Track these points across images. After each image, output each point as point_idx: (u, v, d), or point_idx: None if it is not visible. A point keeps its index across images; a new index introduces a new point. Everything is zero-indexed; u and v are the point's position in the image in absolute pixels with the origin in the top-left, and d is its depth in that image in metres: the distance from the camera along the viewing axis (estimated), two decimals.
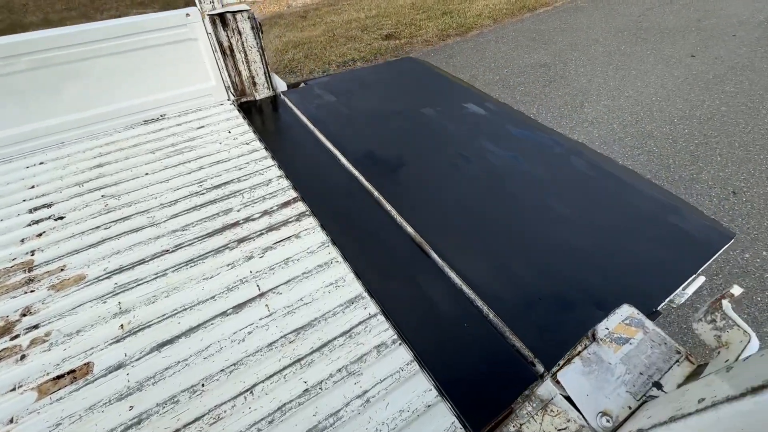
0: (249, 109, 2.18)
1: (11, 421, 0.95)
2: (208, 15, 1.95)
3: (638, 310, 0.68)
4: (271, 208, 1.52)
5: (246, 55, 2.10)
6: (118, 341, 1.10)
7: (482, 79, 4.81)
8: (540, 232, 1.47)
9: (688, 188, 3.21)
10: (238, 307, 1.18)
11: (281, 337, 1.11)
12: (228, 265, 1.31)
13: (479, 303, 1.19)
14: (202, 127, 1.97)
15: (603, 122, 4.02)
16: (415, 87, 2.42)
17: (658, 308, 1.26)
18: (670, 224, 1.50)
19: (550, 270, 1.33)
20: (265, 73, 2.20)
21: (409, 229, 1.43)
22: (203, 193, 1.59)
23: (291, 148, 1.88)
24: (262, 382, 1.01)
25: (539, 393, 0.58)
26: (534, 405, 0.60)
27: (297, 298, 1.21)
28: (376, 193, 1.59)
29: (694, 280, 1.35)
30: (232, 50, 2.06)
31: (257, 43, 2.10)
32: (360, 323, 1.14)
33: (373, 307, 1.18)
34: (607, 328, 0.63)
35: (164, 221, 1.46)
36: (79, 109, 1.87)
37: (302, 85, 2.41)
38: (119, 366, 1.05)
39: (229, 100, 2.18)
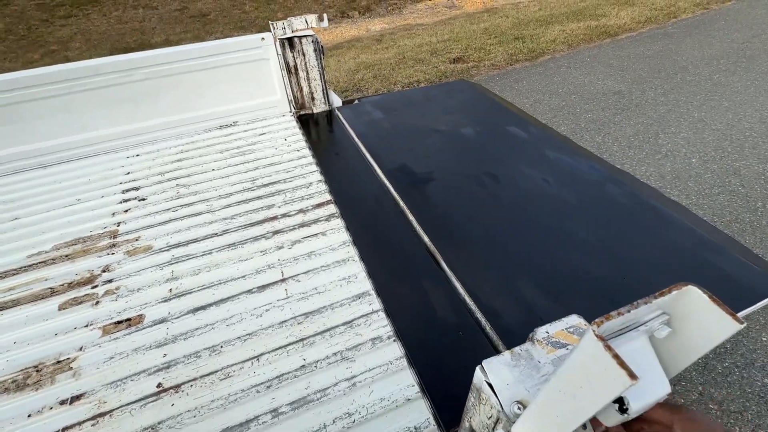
0: (306, 121, 2.44)
1: (80, 349, 1.20)
2: (279, 39, 2.26)
3: (586, 322, 0.68)
4: (307, 207, 1.70)
5: (308, 73, 2.38)
6: (166, 301, 1.33)
7: (546, 105, 4.70)
8: (557, 258, 1.44)
9: None
10: (262, 288, 1.36)
11: (292, 318, 1.25)
12: (261, 252, 1.50)
13: (478, 315, 1.23)
14: (264, 134, 2.26)
15: (679, 155, 3.68)
16: (462, 108, 2.49)
17: None
18: (710, 263, 1.36)
19: (560, 295, 1.31)
20: (323, 89, 2.46)
21: (426, 239, 1.51)
22: (254, 190, 1.83)
23: (334, 156, 2.07)
24: (269, 352, 1.15)
25: (474, 381, 0.63)
26: (474, 395, 0.65)
27: (312, 286, 1.35)
28: (401, 203, 1.70)
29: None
30: (296, 69, 2.35)
31: (318, 64, 2.37)
32: (362, 316, 1.24)
33: (377, 304, 1.28)
34: (547, 332, 0.65)
35: (219, 210, 1.72)
36: (171, 113, 2.27)
37: (356, 101, 2.63)
38: (162, 321, 1.27)
39: (290, 112, 2.46)
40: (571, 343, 0.64)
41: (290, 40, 2.28)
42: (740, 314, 1.23)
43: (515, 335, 1.16)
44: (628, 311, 0.44)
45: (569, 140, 2.22)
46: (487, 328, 1.19)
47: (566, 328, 0.66)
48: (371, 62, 6.67)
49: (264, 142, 2.19)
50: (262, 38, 2.23)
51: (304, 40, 2.30)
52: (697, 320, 0.47)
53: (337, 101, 2.55)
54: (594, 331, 0.40)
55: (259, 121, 2.40)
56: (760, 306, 1.26)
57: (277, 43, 2.26)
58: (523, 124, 2.26)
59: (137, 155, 2.15)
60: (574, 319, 0.68)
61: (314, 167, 1.95)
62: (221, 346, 1.18)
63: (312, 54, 2.34)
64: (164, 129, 2.28)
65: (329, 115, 2.48)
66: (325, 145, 2.21)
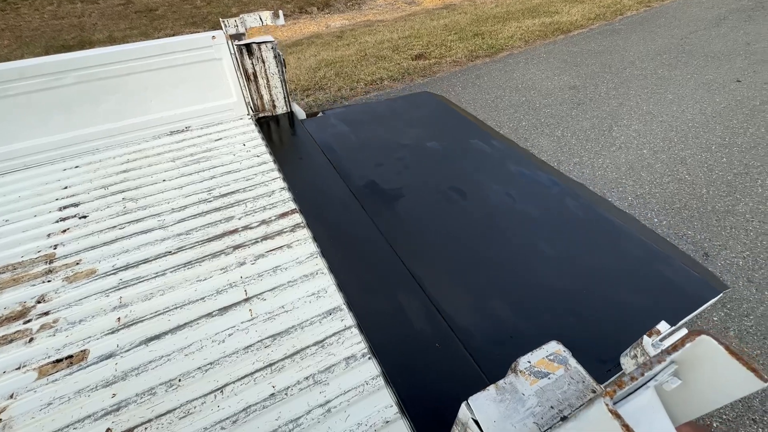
0: (266, 124, 2.32)
1: (11, 396, 1.05)
2: (236, 45, 2.13)
3: (565, 348, 0.67)
4: (270, 218, 1.60)
5: (268, 80, 2.27)
6: (113, 332, 1.20)
7: (507, 100, 4.79)
8: (522, 270, 1.48)
9: (721, 221, 3.01)
10: (224, 310, 1.25)
11: (258, 341, 1.16)
12: (221, 269, 1.39)
13: (453, 328, 1.20)
14: (220, 139, 2.12)
15: (632, 147, 3.87)
16: (426, 121, 2.48)
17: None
18: (658, 272, 1.48)
19: (526, 308, 1.33)
20: (284, 97, 2.35)
21: (395, 251, 1.46)
22: (210, 201, 1.70)
23: (297, 161, 1.98)
24: (234, 382, 1.06)
25: (459, 417, 0.59)
26: (458, 428, 0.61)
27: (279, 305, 1.26)
28: (369, 214, 1.63)
29: (676, 330, 1.31)
30: (255, 76, 2.23)
31: (279, 71, 2.27)
32: (334, 334, 1.17)
33: (349, 320, 1.21)
34: (529, 362, 0.63)
35: (172, 225, 1.58)
36: (114, 119, 2.07)
37: (320, 114, 2.55)
38: (110, 355, 1.14)
39: (248, 115, 2.33)
40: (552, 372, 0.62)
41: (248, 46, 2.15)
42: (685, 319, 1.32)
43: (489, 347, 1.14)
44: (642, 374, 0.41)
45: (530, 153, 2.30)
46: (463, 341, 1.16)
47: (547, 356, 0.66)
48: (332, 59, 6.53)
49: (220, 148, 2.05)
50: (213, 36, 2.08)
51: (263, 47, 2.19)
52: (711, 371, 0.44)
53: (300, 113, 2.46)
54: (607, 405, 0.36)
55: (215, 126, 2.24)
56: (702, 310, 1.38)
57: (230, 42, 2.12)
58: (486, 137, 2.29)
59: (76, 167, 1.94)
60: (554, 346, 0.67)
61: (276, 174, 1.85)
62: (179, 380, 1.07)
63: (272, 61, 2.23)
64: (107, 137, 2.08)
65: (290, 116, 2.36)
66: (287, 150, 2.10)
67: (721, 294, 1.43)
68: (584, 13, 7.65)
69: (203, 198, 1.72)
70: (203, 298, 1.29)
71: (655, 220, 3.05)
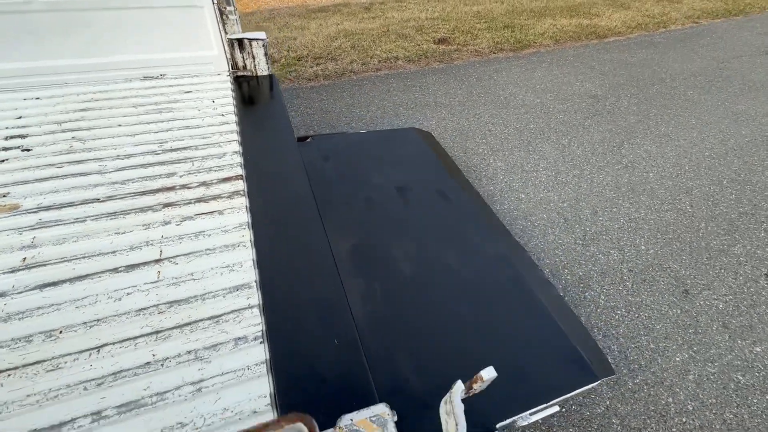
0: (245, 84, 2.22)
1: None
2: (227, 38, 2.14)
3: (391, 412, 0.70)
4: (212, 180, 1.53)
5: (260, 85, 2.29)
6: (13, 272, 1.16)
7: (521, 100, 4.58)
8: (433, 322, 1.65)
9: (712, 259, 2.85)
10: (131, 267, 1.20)
11: (154, 306, 1.11)
12: (144, 226, 1.33)
13: (358, 331, 1.12)
14: (190, 92, 2.03)
15: (638, 168, 3.67)
16: (402, 160, 2.61)
17: (497, 425, 1.36)
18: (550, 350, 1.60)
19: (424, 346, 1.52)
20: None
21: (328, 243, 1.38)
22: (158, 153, 1.63)
23: (262, 129, 1.89)
24: (114, 344, 1.01)
25: None
26: None
27: (189, 272, 1.20)
28: (316, 199, 1.55)
29: (546, 407, 1.44)
30: (245, 68, 2.24)
31: (268, 68, 2.31)
32: (234, 311, 1.11)
33: (255, 299, 1.15)
34: (352, 419, 0.61)
35: (111, 172, 1.52)
36: (85, 55, 1.99)
37: (309, 140, 2.62)
38: (1, 295, 1.10)
39: (227, 71, 2.23)
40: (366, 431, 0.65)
41: (240, 41, 2.15)
42: (562, 397, 1.42)
43: (386, 363, 1.09)
44: None
45: (488, 209, 2.48)
46: (364, 348, 1.09)
47: (370, 417, 0.68)
48: (353, 31, 6.31)
49: (187, 101, 1.97)
50: None
51: (254, 43, 2.18)
52: None
53: None
54: None
55: (190, 77, 2.16)
56: (577, 393, 1.51)
57: None
58: (452, 188, 2.40)
59: (37, 98, 1.89)
60: (380, 408, 0.70)
61: (235, 136, 1.77)
62: (60, 332, 1.03)
63: (262, 58, 2.23)
64: (76, 72, 2.01)
65: (270, 80, 2.26)
66: (257, 115, 2.01)
67: (599, 381, 1.53)
68: (626, 20, 7.22)
69: (152, 150, 1.65)
70: (114, 252, 1.23)
71: (642, 247, 2.90)
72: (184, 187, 1.49)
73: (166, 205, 1.41)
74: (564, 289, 2.58)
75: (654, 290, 2.62)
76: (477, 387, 0.54)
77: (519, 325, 1.68)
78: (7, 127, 1.70)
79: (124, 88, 2.01)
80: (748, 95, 4.99)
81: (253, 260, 1.25)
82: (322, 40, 5.81)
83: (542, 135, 4.03)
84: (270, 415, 0.91)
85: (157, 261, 1.23)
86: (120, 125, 1.77)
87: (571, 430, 1.94)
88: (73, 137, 1.68)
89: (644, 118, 4.42)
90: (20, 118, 1.76)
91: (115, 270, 1.19)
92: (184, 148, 1.68)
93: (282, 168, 1.66)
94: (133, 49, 2.06)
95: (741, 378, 2.20)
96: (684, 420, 2.01)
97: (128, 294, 1.13)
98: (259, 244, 1.31)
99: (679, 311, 2.50)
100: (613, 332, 2.37)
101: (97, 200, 1.40)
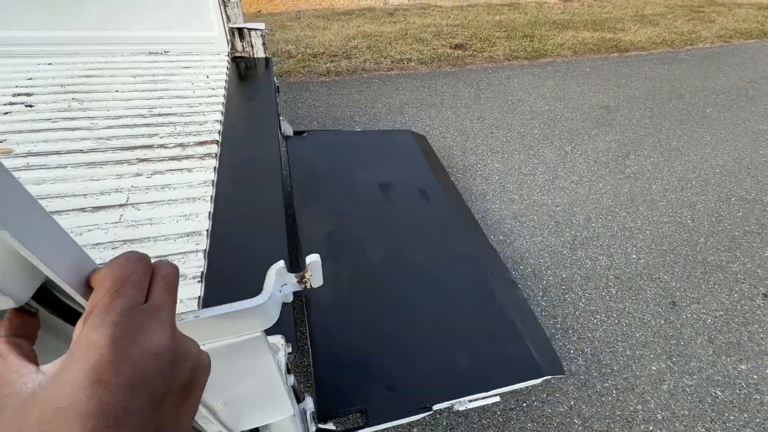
0: (243, 65, 2.34)
1: None
2: (228, 27, 2.30)
3: (285, 343, 0.80)
4: (189, 142, 1.63)
5: (255, 66, 2.43)
6: None
7: (529, 106, 4.56)
8: (390, 310, 1.77)
9: (707, 274, 2.75)
10: (97, 209, 1.30)
11: (110, 242, 1.19)
12: (117, 175, 1.43)
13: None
14: (189, 67, 2.16)
15: (642, 179, 3.59)
16: (392, 160, 2.71)
17: (434, 406, 1.46)
18: (503, 344, 1.68)
19: (375, 332, 1.68)
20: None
21: (283, 205, 1.43)
22: (146, 117, 1.75)
23: (248, 104, 1.99)
24: None
25: None
26: None
27: (148, 217, 1.29)
28: (289, 174, 1.62)
29: (486, 397, 1.53)
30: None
31: (264, 53, 2.45)
32: (180, 253, 1.19)
33: (203, 245, 1.22)
34: None
35: (100, 129, 1.65)
36: (96, 29, 2.16)
37: (305, 134, 2.80)
38: None
39: (227, 52, 2.36)
40: None
41: (240, 30, 2.30)
42: (499, 391, 1.54)
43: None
44: None
45: (467, 211, 2.56)
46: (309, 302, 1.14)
47: None
48: (372, 33, 6.46)
49: (184, 75, 2.10)
50: None
51: (253, 33, 2.33)
52: None
53: (288, 129, 2.64)
54: None
55: (192, 55, 2.29)
56: (522, 387, 1.61)
57: None
58: (435, 189, 2.48)
59: (49, 64, 2.05)
60: (275, 339, 0.78)
61: (219, 107, 1.87)
62: None
63: (260, 47, 2.36)
64: (86, 44, 2.18)
65: (265, 63, 2.37)
66: (245, 91, 2.12)
67: (545, 378, 1.60)
68: (651, 36, 7.08)
69: (141, 113, 1.77)
70: (85, 195, 1.34)
71: (633, 256, 2.83)
72: (162, 146, 1.59)
73: (142, 160, 1.52)
74: (544, 290, 2.55)
75: (639, 299, 2.55)
76: (308, 276, 0.58)
77: (475, 320, 1.77)
78: (17, 86, 1.86)
79: (128, 61, 2.16)
80: None
81: (209, 212, 1.33)
82: (340, 40, 5.97)
83: (545, 141, 4.00)
84: None
85: (121, 205, 1.32)
86: (117, 91, 1.90)
87: (529, 425, 1.92)
88: (72, 98, 1.82)
89: (656, 131, 4.31)
90: (31, 79, 1.92)
91: (82, 210, 1.29)
92: (171, 114, 1.79)
93: (257, 137, 1.75)
94: (140, 26, 2.22)
95: (720, 393, 2.11)
96: (651, 428, 1.94)
97: (89, 230, 1.23)
98: (218, 199, 1.38)
99: (662, 321, 2.43)
100: (589, 335, 2.32)
101: (81, 151, 1.52)
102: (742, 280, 2.74)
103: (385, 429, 1.51)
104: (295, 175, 2.41)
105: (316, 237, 2.01)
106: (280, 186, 1.49)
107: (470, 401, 1.49)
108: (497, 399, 1.57)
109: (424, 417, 1.56)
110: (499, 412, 1.95)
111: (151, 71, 2.09)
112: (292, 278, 0.58)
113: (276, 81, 2.62)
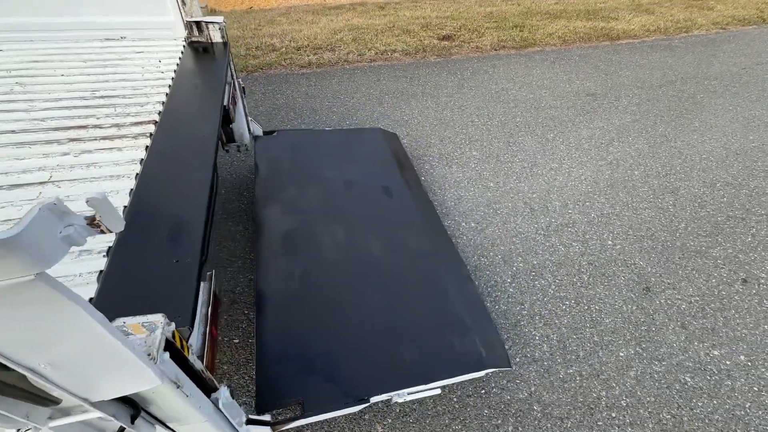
0: (201, 50, 2.31)
1: None
2: (185, 21, 2.25)
3: (167, 321, 0.80)
4: (125, 123, 1.59)
5: (212, 51, 2.33)
6: None
7: (513, 94, 4.48)
8: (339, 302, 1.78)
9: (685, 259, 2.66)
10: (16, 186, 1.27)
11: (19, 219, 1.16)
12: (44, 155, 1.40)
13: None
14: (142, 52, 2.14)
15: (623, 165, 3.50)
16: (360, 158, 2.71)
17: (370, 399, 1.45)
18: (450, 337, 1.68)
19: (321, 322, 1.71)
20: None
21: (210, 186, 1.38)
22: (87, 99, 1.72)
23: (193, 87, 1.95)
24: None
25: None
26: None
27: (67, 194, 1.26)
28: (214, 155, 1.56)
29: (425, 389, 1.53)
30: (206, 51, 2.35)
31: (222, 42, 2.36)
32: None
33: None
34: (124, 322, 0.75)
35: (36, 111, 1.62)
36: (52, 15, 2.14)
37: (275, 133, 2.81)
38: None
39: (183, 37, 2.33)
40: (135, 334, 0.74)
41: (198, 23, 2.25)
42: (439, 383, 1.54)
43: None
44: None
45: (430, 207, 2.54)
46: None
47: (143, 323, 0.76)
48: (359, 26, 6.41)
49: (136, 59, 2.07)
50: None
51: (211, 26, 2.27)
52: None
53: (257, 130, 2.66)
54: None
55: (147, 40, 2.26)
56: (460, 380, 1.61)
57: None
58: (399, 186, 2.49)
59: (0, 50, 2.04)
60: (156, 317, 0.77)
61: (165, 89, 1.84)
62: None
63: (218, 41, 2.32)
64: (42, 30, 2.16)
65: (224, 47, 2.33)
66: (196, 75, 2.08)
67: (487, 371, 1.60)
68: (645, 24, 6.94)
69: (83, 96, 1.74)
70: (7, 173, 1.31)
71: (609, 242, 2.76)
72: (96, 126, 1.56)
73: (74, 140, 1.49)
74: (513, 276, 2.49)
75: (611, 285, 2.48)
76: (98, 216, 0.54)
77: (423, 315, 1.78)
78: None
79: (83, 47, 2.14)
80: (764, 102, 4.66)
81: (131, 189, 1.29)
82: (326, 33, 5.93)
83: (527, 129, 3.92)
84: None
85: (42, 183, 1.29)
86: (63, 75, 1.88)
87: (486, 411, 1.86)
88: (16, 82, 1.80)
89: (642, 117, 4.21)
90: None
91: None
92: (114, 97, 1.76)
93: (197, 118, 1.71)
94: (95, 11, 2.19)
95: (689, 380, 2.03)
96: (613, 415, 1.88)
97: (2, 207, 1.20)
98: (143, 177, 1.35)
99: (634, 307, 2.35)
100: (556, 321, 2.25)
101: (12, 132, 1.50)
102: (721, 265, 2.65)
103: (359, 422, 1.62)
104: (260, 174, 2.43)
105: (275, 235, 2.03)
106: (211, 164, 1.45)
107: (409, 394, 1.50)
108: (438, 391, 1.58)
109: (362, 408, 1.53)
110: (455, 399, 1.89)
111: (103, 56, 2.07)
112: (80, 219, 0.54)
113: (241, 82, 2.61)
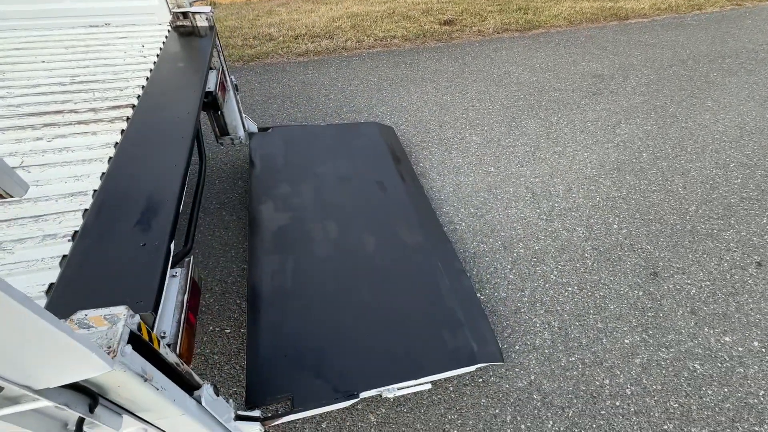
0: (186, 34, 2.24)
1: None
2: (172, 12, 2.19)
3: (130, 314, 0.76)
4: (102, 107, 1.54)
5: (197, 35, 2.28)
6: None
7: (516, 78, 4.34)
8: (336, 306, 1.74)
9: (695, 243, 2.54)
10: None
11: None
12: (17, 140, 1.36)
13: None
14: (125, 37, 2.08)
15: (632, 147, 3.36)
16: (355, 152, 2.67)
17: (359, 394, 1.43)
18: (442, 331, 1.66)
19: (315, 317, 1.70)
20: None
21: (184, 170, 1.32)
22: (66, 85, 1.68)
23: (175, 72, 1.88)
24: None
25: None
26: None
27: (36, 179, 1.22)
28: (191, 137, 1.49)
29: (416, 384, 1.51)
30: None
31: (208, 27, 2.29)
32: (58, 213, 1.11)
33: (86, 205, 1.14)
34: (86, 314, 0.72)
35: (13, 97, 1.58)
36: (35, 2, 2.09)
37: (270, 130, 2.79)
38: None
39: (168, 22, 2.26)
40: (96, 326, 0.71)
41: (185, 14, 2.21)
42: (429, 378, 1.54)
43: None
44: None
45: (425, 202, 2.48)
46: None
47: (105, 315, 0.73)
48: (359, 13, 6.28)
49: (118, 45, 2.02)
50: None
51: (198, 16, 2.21)
52: None
53: (252, 127, 2.63)
54: None
55: (131, 26, 2.21)
56: (451, 375, 1.60)
57: None
58: (394, 182, 2.45)
59: None
60: (119, 309, 0.73)
61: (146, 73, 1.78)
62: None
63: (204, 24, 2.25)
64: (25, 18, 2.11)
65: (210, 30, 2.27)
66: (179, 59, 2.01)
67: (478, 366, 1.59)
68: (656, 2, 6.67)
69: (62, 82, 1.70)
70: None
71: (614, 227, 2.65)
72: (72, 111, 1.52)
73: (48, 125, 1.44)
74: (513, 262, 2.40)
75: (617, 270, 2.38)
76: (2, 192, 0.49)
77: (415, 310, 1.75)
78: None
79: (66, 33, 2.10)
80: None
81: (102, 173, 1.24)
82: (324, 21, 5.82)
83: (530, 112, 3.79)
84: (41, 302, 0.89)
85: (12, 168, 1.25)
86: (44, 62, 1.83)
87: (483, 400, 1.80)
88: None
89: (651, 98, 4.05)
90: None
91: None
92: (93, 82, 1.71)
93: (177, 101, 1.65)
94: None
95: (698, 367, 1.94)
96: (617, 404, 1.80)
97: None
98: (116, 160, 1.30)
99: (640, 293, 2.25)
100: (558, 308, 2.17)
101: None
102: (734, 248, 2.53)
103: (348, 416, 1.59)
104: (255, 171, 2.42)
105: (269, 232, 2.03)
106: (188, 146, 1.39)
107: (399, 389, 1.48)
108: (428, 386, 1.56)
109: (352, 403, 1.49)
110: (452, 388, 1.83)
111: (85, 42, 2.02)
112: None
113: (234, 78, 2.55)
